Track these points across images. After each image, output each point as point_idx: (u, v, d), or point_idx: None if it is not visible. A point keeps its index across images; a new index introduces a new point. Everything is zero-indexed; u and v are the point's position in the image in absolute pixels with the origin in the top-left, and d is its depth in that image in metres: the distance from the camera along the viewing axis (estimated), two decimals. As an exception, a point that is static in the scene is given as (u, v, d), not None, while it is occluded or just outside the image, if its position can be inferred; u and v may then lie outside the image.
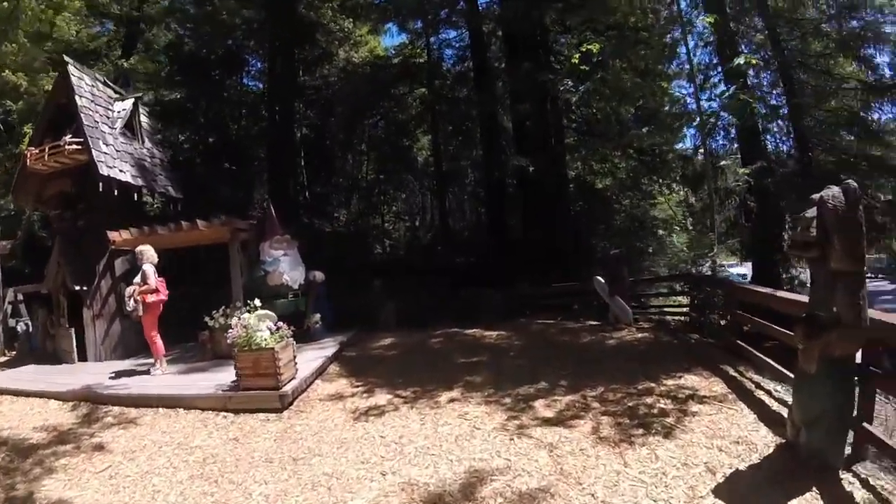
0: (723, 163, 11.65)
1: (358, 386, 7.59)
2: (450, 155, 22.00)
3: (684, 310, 11.55)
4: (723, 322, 9.20)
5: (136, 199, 11.19)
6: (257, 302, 7.43)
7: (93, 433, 6.50)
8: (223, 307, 9.42)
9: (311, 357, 8.71)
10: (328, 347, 9.63)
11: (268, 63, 20.55)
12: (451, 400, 6.57)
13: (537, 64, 14.15)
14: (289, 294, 10.73)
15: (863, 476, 4.06)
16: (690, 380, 6.63)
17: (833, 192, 3.97)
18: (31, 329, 12.42)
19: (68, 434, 6.50)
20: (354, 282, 14.10)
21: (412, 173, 23.70)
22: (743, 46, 14.37)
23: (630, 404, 5.94)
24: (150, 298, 8.76)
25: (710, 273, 10.88)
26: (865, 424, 4.28)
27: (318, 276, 11.22)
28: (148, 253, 9.11)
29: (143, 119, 12.93)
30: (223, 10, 18.70)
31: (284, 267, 10.61)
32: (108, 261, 10.90)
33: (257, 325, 7.00)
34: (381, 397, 6.96)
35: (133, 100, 12.00)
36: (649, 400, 6.04)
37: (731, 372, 6.86)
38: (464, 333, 10.65)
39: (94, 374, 8.84)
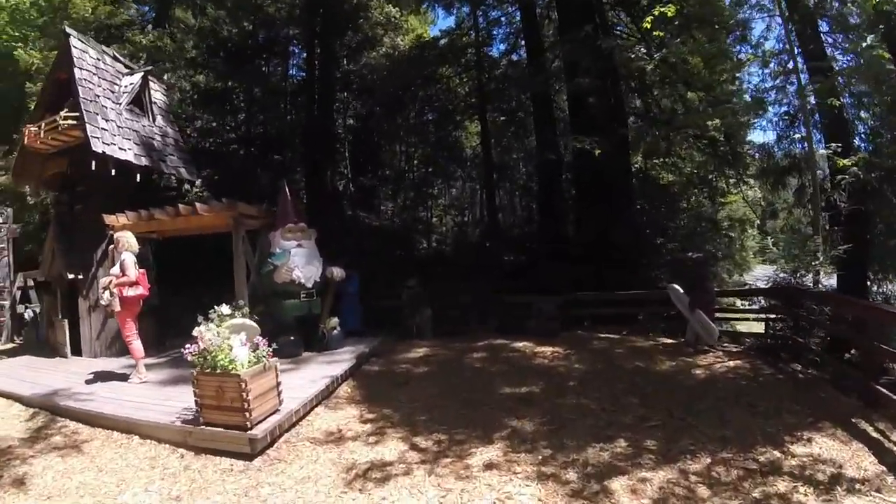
0: (822, 151, 9.13)
1: (368, 420, 5.58)
2: (501, 146, 19.72)
3: (760, 328, 9.10)
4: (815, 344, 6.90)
5: (139, 180, 9.30)
6: (224, 308, 5.32)
7: (27, 458, 4.95)
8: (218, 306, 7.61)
9: (316, 375, 6.81)
10: (343, 361, 7.64)
11: (307, 50, 18.54)
12: (489, 465, 4.39)
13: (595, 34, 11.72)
14: (301, 294, 8.46)
15: None
16: (825, 445, 4.44)
17: None
18: (38, 317, 11.09)
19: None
20: (394, 280, 11.85)
21: (460, 165, 21.37)
22: (824, 23, 11.73)
23: (756, 494, 3.73)
24: (129, 292, 6.98)
25: (811, 286, 8.36)
26: None
27: (338, 272, 8.92)
28: (127, 240, 7.36)
29: (159, 96, 11.29)
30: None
31: (297, 261, 8.35)
32: (106, 247, 9.23)
33: (223, 340, 4.95)
34: (393, 446, 4.90)
35: (142, 73, 10.18)
36: (781, 485, 3.83)
37: (871, 431, 4.71)
38: (511, 348, 8.44)
39: (73, 374, 7.51)
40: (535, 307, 9.83)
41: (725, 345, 8.20)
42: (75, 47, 9.14)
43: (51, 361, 8.76)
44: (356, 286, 10.90)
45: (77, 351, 9.04)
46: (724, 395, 5.79)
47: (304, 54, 18.94)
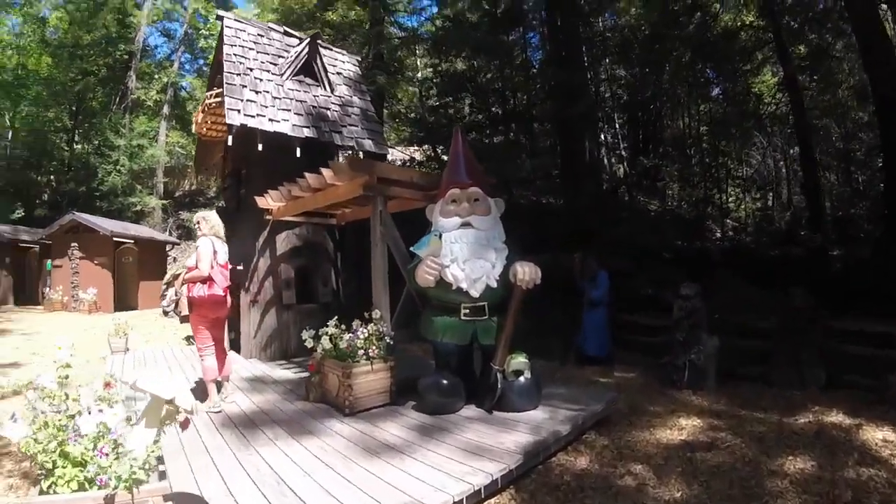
0: None
1: None
2: (811, 97, 14.08)
3: None
4: None
5: (298, 154, 7.64)
6: (62, 352, 2.61)
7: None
8: (334, 319, 5.21)
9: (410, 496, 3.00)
10: (499, 454, 3.58)
11: (549, 17, 15.46)
12: None
13: None
14: (462, 307, 4.77)
15: None
16: None
17: None
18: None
19: None
20: (664, 284, 7.95)
21: (758, 129, 16.00)
22: None
23: None
24: (197, 291, 5.07)
25: None
26: None
27: (528, 273, 4.50)
28: (208, 222, 5.39)
29: (348, 66, 9.96)
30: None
31: (455, 250, 4.68)
32: (269, 235, 8.03)
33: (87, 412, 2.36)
34: None
35: (307, 41, 8.70)
36: None
37: None
38: (859, 448, 3.98)
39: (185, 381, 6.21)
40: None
41: None
42: (228, 27, 8.33)
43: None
44: (604, 289, 7.60)
45: (238, 347, 7.89)
46: None
47: (546, 24, 16.09)
